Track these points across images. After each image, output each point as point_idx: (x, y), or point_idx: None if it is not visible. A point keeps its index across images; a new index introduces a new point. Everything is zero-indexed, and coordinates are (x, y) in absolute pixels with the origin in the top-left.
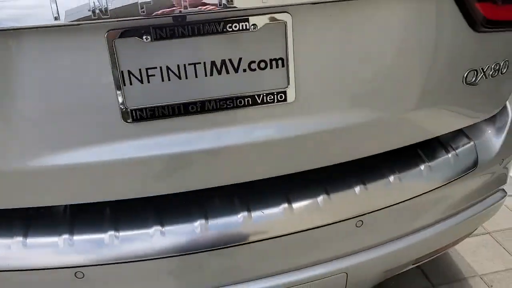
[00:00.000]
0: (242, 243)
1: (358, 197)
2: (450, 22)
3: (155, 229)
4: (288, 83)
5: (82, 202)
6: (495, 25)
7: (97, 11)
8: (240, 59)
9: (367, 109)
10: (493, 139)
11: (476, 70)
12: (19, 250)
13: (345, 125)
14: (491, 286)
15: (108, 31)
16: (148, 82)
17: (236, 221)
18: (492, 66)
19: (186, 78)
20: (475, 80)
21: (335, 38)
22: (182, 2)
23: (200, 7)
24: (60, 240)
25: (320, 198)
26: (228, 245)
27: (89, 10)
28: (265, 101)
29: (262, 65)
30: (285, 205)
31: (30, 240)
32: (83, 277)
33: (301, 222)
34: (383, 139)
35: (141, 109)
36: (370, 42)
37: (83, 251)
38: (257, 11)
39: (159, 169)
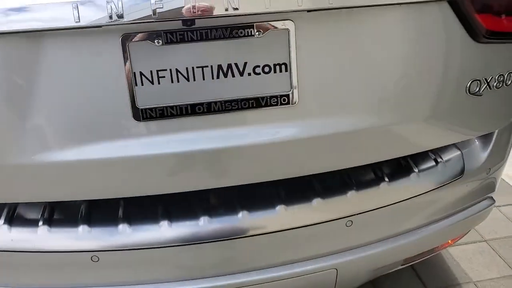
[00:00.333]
0: (239, 236)
1: (348, 199)
2: (450, 32)
3: (162, 221)
4: (291, 87)
5: (91, 199)
6: (496, 36)
7: (113, 16)
8: (245, 63)
9: (368, 116)
10: (480, 150)
11: (480, 81)
12: (45, 235)
13: (347, 130)
14: None
15: (122, 34)
16: (159, 83)
17: (235, 217)
18: (496, 77)
19: (194, 80)
20: (478, 91)
21: (336, 45)
22: (191, 9)
23: (208, 13)
24: (79, 228)
25: (313, 199)
26: (227, 238)
27: (106, 15)
28: (269, 103)
29: (266, 69)
30: (281, 204)
31: (54, 226)
32: (98, 261)
33: (295, 220)
34: (384, 147)
35: (151, 109)
36: (370, 50)
37: (99, 238)
38: (261, 18)
39: (166, 167)
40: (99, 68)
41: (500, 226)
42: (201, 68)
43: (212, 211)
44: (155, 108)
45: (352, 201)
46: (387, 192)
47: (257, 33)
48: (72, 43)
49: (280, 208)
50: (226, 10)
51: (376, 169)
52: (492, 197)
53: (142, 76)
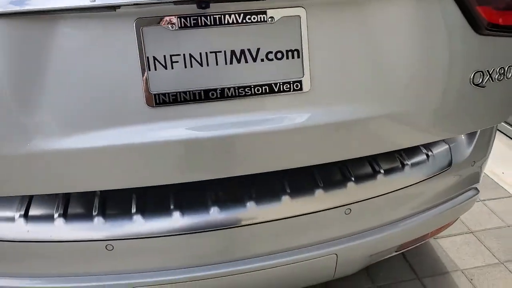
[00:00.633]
0: (247, 224)
1: (347, 189)
2: (453, 24)
3: (173, 211)
4: (303, 74)
5: (104, 189)
6: (497, 29)
7: None
8: (258, 49)
9: (379, 104)
10: (466, 144)
11: (482, 72)
12: (61, 225)
13: (358, 118)
14: (471, 279)
15: (136, 18)
16: (172, 68)
17: (242, 206)
18: (498, 70)
19: (208, 65)
20: (481, 82)
21: (346, 33)
22: None
23: None
24: (94, 218)
25: (315, 188)
26: (236, 226)
27: None
28: (281, 89)
29: (279, 55)
30: (285, 193)
31: (70, 216)
32: (112, 249)
33: (298, 208)
34: (394, 137)
35: (164, 94)
36: (379, 40)
37: (114, 228)
38: (274, 5)
39: (178, 155)
40: (112, 52)
41: (485, 218)
42: (214, 53)
43: (220, 200)
44: (168, 93)
45: (351, 191)
46: (382, 182)
47: (269, 19)
48: (86, 26)
49: (285, 198)
50: None
51: (372, 162)
52: (476, 187)
53: (156, 60)
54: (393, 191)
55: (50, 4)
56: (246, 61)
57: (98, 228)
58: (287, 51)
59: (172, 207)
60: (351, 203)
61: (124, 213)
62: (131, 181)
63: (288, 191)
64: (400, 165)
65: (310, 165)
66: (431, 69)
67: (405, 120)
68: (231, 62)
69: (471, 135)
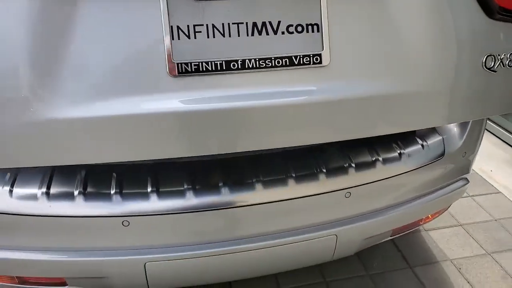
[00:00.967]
0: (255, 203)
1: (347, 173)
2: (466, 6)
3: (185, 190)
4: (323, 47)
5: (126, 160)
6: (508, 14)
7: None
8: (279, 22)
9: (398, 81)
10: (458, 136)
11: (494, 56)
12: (81, 201)
13: (377, 94)
14: (460, 269)
15: None
16: (195, 38)
17: (251, 187)
18: (508, 56)
19: (230, 36)
20: (493, 66)
21: (365, 10)
22: None
23: None
24: (112, 195)
25: (318, 172)
26: (241, 205)
27: None
28: (301, 62)
29: (299, 29)
30: (289, 175)
31: (89, 194)
32: (128, 225)
33: (301, 190)
34: (410, 116)
35: (186, 63)
36: (396, 17)
37: (130, 205)
38: None
39: (197, 125)
40: (138, 21)
41: (473, 213)
42: (236, 25)
43: (229, 181)
44: (191, 63)
45: (350, 175)
46: (380, 169)
47: None
48: None
49: (290, 180)
50: None
51: (371, 149)
52: (466, 178)
53: (179, 30)
54: (390, 177)
55: None
56: (267, 33)
57: (115, 205)
58: (307, 25)
59: (184, 186)
60: (350, 187)
61: (140, 191)
62: (150, 152)
63: (293, 174)
64: (397, 154)
65: (318, 148)
66: (447, 50)
67: (420, 99)
68: (252, 34)
69: (462, 128)
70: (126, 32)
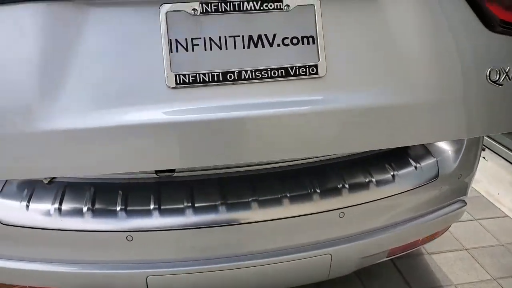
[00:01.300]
0: (251, 222)
1: (341, 193)
2: (463, 19)
3: (186, 208)
4: (319, 59)
5: (125, 171)
6: (508, 26)
7: None
8: (274, 35)
9: (395, 93)
10: (452, 158)
11: (499, 69)
12: (89, 217)
13: (374, 105)
14: None
15: (162, 4)
16: (193, 50)
17: (247, 206)
18: None
19: (226, 48)
20: (498, 79)
21: (361, 23)
22: None
23: None
24: (118, 211)
25: (312, 192)
26: (241, 223)
27: None
28: (297, 73)
29: (295, 41)
30: (284, 195)
31: (97, 210)
32: (132, 240)
33: (295, 210)
34: (408, 130)
35: (184, 75)
36: (392, 30)
37: (134, 220)
38: None
39: (196, 135)
40: (138, 35)
41: (479, 237)
42: (233, 38)
43: (227, 200)
44: (189, 74)
45: (343, 196)
46: (373, 189)
47: (285, 7)
48: (114, 9)
49: (284, 200)
50: None
51: (364, 169)
52: (464, 200)
53: (178, 43)
54: (383, 199)
55: None
56: (263, 46)
57: (120, 221)
58: (302, 37)
59: (184, 204)
60: (344, 207)
61: (143, 208)
62: (148, 162)
63: (287, 194)
64: (390, 175)
65: (312, 169)
66: (446, 62)
67: (419, 113)
68: (248, 46)
69: (457, 150)
70: (127, 46)
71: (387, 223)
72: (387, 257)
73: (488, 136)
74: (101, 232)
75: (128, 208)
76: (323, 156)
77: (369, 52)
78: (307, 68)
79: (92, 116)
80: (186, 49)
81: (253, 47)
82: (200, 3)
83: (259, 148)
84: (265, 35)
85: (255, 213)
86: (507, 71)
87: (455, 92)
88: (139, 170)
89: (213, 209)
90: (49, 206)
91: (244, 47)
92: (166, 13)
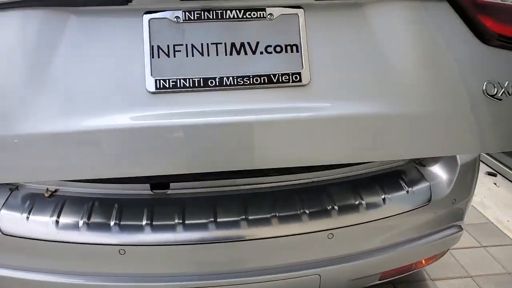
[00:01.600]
0: (239, 240)
1: (330, 215)
2: (453, 31)
3: (176, 225)
4: (303, 67)
5: (105, 176)
6: (505, 40)
7: None
8: (257, 43)
9: (380, 103)
10: (446, 183)
11: (496, 84)
12: (84, 230)
13: (359, 114)
14: None
15: (145, 12)
16: (174, 56)
17: (236, 224)
18: None
19: (208, 55)
20: (496, 94)
21: (345, 32)
22: None
23: None
24: (112, 226)
25: (301, 213)
26: (229, 240)
27: None
28: (280, 80)
29: (278, 49)
30: (273, 215)
31: (92, 224)
32: (124, 254)
33: (283, 229)
34: (395, 143)
35: (164, 80)
36: (378, 39)
37: (127, 235)
38: (273, 3)
39: (175, 140)
40: (121, 41)
41: (485, 264)
42: (215, 45)
43: (218, 218)
44: (169, 79)
45: (333, 217)
46: (362, 212)
47: (268, 16)
48: (98, 16)
49: (273, 220)
50: None
51: (354, 191)
52: (460, 225)
53: (160, 49)
54: (372, 221)
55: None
56: (246, 53)
57: (114, 235)
58: (286, 46)
59: (176, 221)
60: (332, 229)
61: (136, 223)
62: (128, 168)
63: (276, 214)
64: (381, 198)
65: (302, 189)
66: (436, 73)
67: (409, 125)
68: (231, 54)
69: (451, 174)
70: (110, 52)
71: (378, 246)
72: (379, 280)
73: (500, 162)
74: (94, 245)
75: (122, 222)
76: (314, 177)
77: (354, 62)
78: (290, 76)
79: (70, 121)
80: (168, 55)
81: (236, 54)
82: (183, 11)
83: (239, 155)
84: (248, 43)
85: (245, 232)
86: (505, 85)
87: (447, 105)
88: (116, 176)
89: (204, 226)
90: (47, 218)
91: (226, 54)
92: (149, 20)
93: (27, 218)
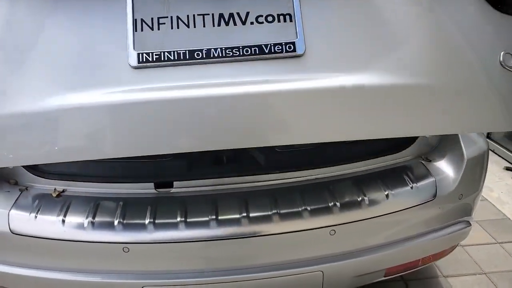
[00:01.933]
0: (240, 237)
1: (331, 211)
2: None
3: (179, 223)
4: (297, 36)
5: (88, 158)
6: None
7: None
8: (247, 13)
9: (381, 73)
10: (452, 178)
11: None
12: (89, 229)
13: (358, 85)
14: None
15: None
16: (158, 29)
17: (237, 221)
18: None
19: (195, 27)
20: None
21: (341, 2)
22: None
23: None
24: (116, 224)
25: (302, 209)
26: (230, 238)
27: None
28: (273, 51)
29: (270, 19)
30: (275, 212)
31: (97, 222)
32: (128, 251)
33: (285, 226)
34: (396, 119)
35: (148, 53)
36: (378, 5)
37: (130, 233)
38: None
39: (158, 116)
40: (104, 15)
41: (500, 260)
42: (202, 16)
43: (220, 215)
44: (152, 52)
45: (334, 213)
46: (365, 208)
47: None
48: None
49: (274, 216)
50: None
51: (356, 186)
52: (468, 221)
53: (143, 22)
54: (376, 217)
55: None
56: (235, 24)
57: (118, 233)
58: (278, 15)
59: (178, 219)
60: (334, 225)
61: (139, 222)
62: (108, 149)
63: (278, 210)
64: (384, 194)
65: (305, 186)
66: (444, 43)
67: (412, 98)
68: (219, 25)
69: (457, 170)
70: (90, 26)
71: (381, 242)
72: (385, 276)
73: None
74: (99, 243)
75: (125, 221)
76: (316, 174)
77: (354, 30)
78: (284, 46)
79: (50, 98)
80: (152, 28)
81: (224, 25)
82: None
83: (229, 133)
84: (238, 13)
85: (247, 229)
86: None
87: (457, 77)
88: (93, 158)
89: (206, 224)
90: (54, 217)
91: (214, 26)
92: None
93: (35, 217)
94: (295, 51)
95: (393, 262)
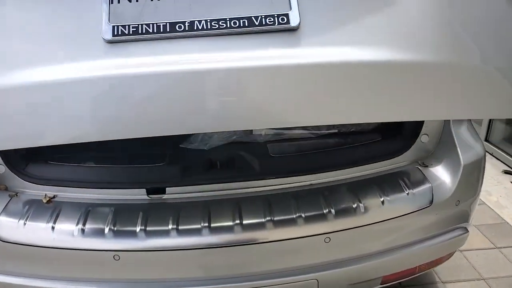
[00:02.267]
0: (233, 245)
1: (326, 218)
2: None
3: (170, 231)
4: (291, 8)
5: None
6: None
7: None
8: None
9: (382, 49)
10: (449, 184)
11: None
12: (79, 236)
13: (355, 62)
14: None
15: None
16: (136, 1)
17: (231, 229)
18: None
19: None
20: None
21: None
22: None
23: None
24: (106, 232)
25: (296, 217)
26: (222, 245)
27: None
28: (264, 23)
29: None
30: (268, 219)
31: (87, 229)
32: (119, 259)
33: (279, 234)
34: (395, 101)
35: (124, 26)
36: None
37: (121, 240)
38: None
39: (134, 92)
40: None
41: (499, 266)
42: None
43: (212, 223)
44: (129, 25)
45: (330, 221)
46: (360, 215)
47: None
48: None
49: (268, 224)
50: None
51: (351, 192)
52: (466, 227)
53: None
54: (371, 224)
55: None
56: None
57: (108, 241)
58: None
59: (170, 226)
60: (329, 232)
61: (130, 229)
62: (78, 131)
63: (272, 218)
64: (379, 200)
65: (299, 193)
66: (453, 17)
67: (416, 78)
68: None
69: (454, 176)
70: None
71: (377, 250)
72: (381, 284)
73: None
74: (90, 251)
75: (116, 228)
76: (311, 179)
77: (353, 0)
78: (276, 18)
79: (17, 74)
80: (130, 0)
81: None
82: None
83: (210, 114)
84: None
85: (240, 236)
86: None
87: (464, 56)
88: (66, 142)
89: (198, 231)
90: (44, 224)
91: None
92: None
93: (24, 224)
94: (289, 24)
95: (389, 270)
